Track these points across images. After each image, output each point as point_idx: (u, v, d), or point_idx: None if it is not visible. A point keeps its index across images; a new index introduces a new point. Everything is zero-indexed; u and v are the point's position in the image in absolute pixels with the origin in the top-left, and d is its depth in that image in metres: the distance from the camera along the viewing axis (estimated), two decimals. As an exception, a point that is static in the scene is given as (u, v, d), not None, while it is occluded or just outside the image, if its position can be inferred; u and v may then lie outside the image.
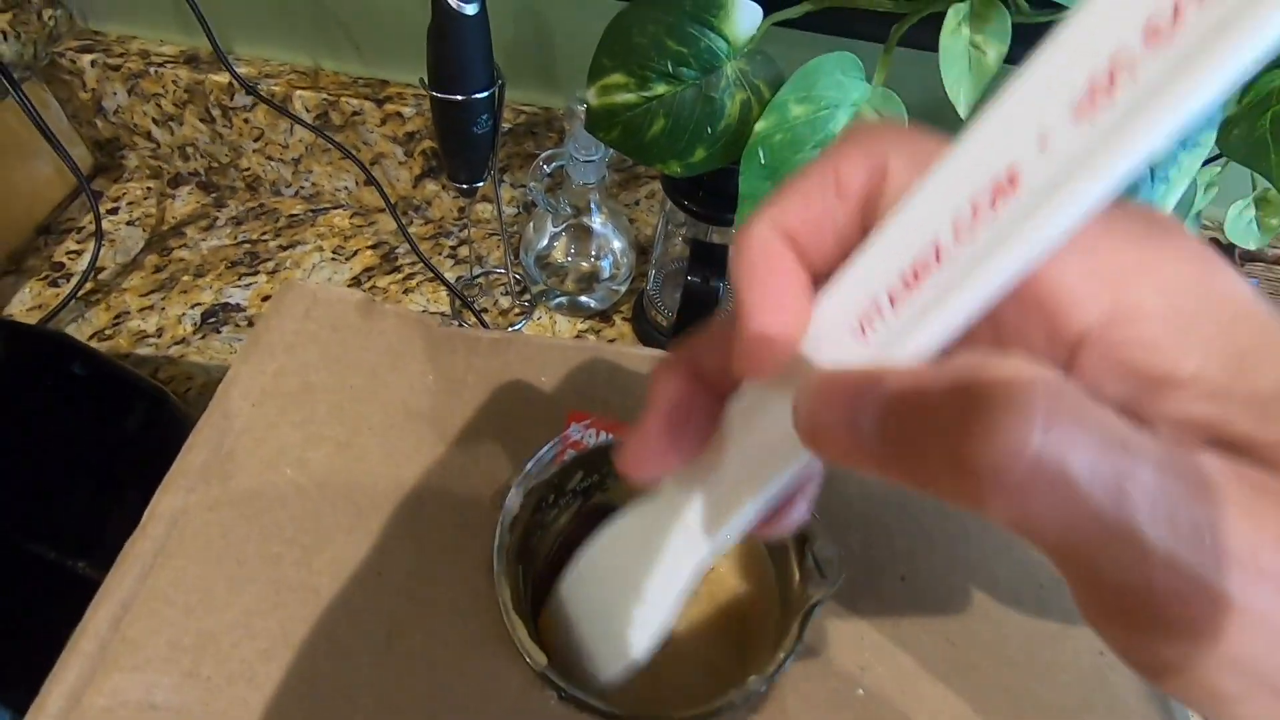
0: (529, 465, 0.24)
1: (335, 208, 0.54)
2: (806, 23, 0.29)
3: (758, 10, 0.28)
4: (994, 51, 0.27)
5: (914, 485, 0.10)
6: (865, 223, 0.12)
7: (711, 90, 0.28)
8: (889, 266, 0.11)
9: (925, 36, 0.28)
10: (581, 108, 0.42)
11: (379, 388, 0.26)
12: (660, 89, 0.28)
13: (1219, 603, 0.08)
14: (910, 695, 0.22)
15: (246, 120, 0.49)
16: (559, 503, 0.27)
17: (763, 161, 0.28)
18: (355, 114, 0.47)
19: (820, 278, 0.13)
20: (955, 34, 0.27)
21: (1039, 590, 0.25)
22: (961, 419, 0.09)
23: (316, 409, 0.26)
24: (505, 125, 0.46)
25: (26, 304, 0.45)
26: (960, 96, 0.28)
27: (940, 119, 0.38)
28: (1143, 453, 0.09)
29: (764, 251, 0.12)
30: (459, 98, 0.35)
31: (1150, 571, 0.08)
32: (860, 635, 0.23)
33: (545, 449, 0.25)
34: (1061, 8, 0.27)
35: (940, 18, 0.27)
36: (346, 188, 0.53)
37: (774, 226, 0.13)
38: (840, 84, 0.27)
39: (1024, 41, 0.29)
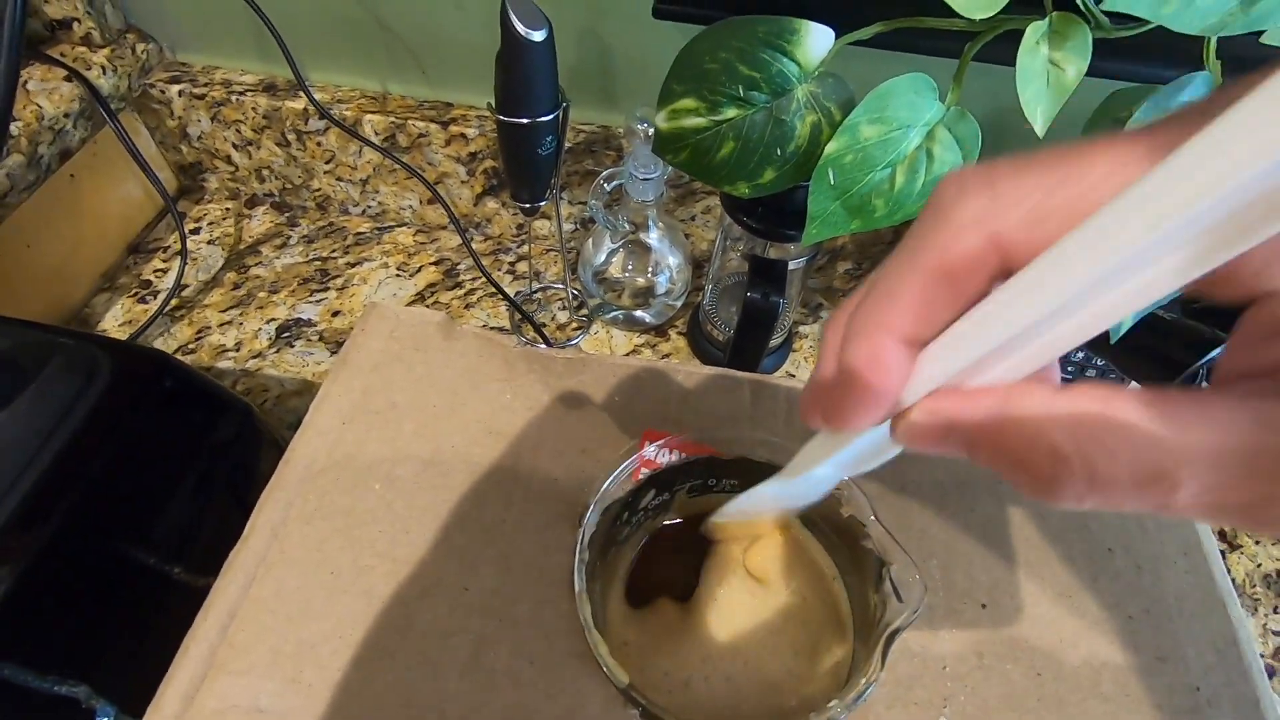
0: (607, 484, 0.25)
1: (400, 225, 0.55)
2: (877, 41, 0.29)
3: (829, 33, 0.28)
4: (1073, 68, 0.26)
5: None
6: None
7: (782, 113, 0.28)
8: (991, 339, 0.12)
9: (996, 50, 0.28)
10: (642, 126, 0.43)
11: (460, 406, 0.27)
12: (730, 113, 0.28)
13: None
14: (995, 727, 0.22)
15: (319, 144, 0.51)
16: (631, 520, 0.27)
17: (833, 182, 0.29)
18: (421, 135, 0.49)
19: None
20: (1033, 52, 0.27)
21: (1128, 622, 0.24)
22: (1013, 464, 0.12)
23: (403, 427, 0.27)
24: (565, 144, 0.47)
25: (119, 319, 0.48)
26: (1037, 114, 0.27)
27: (1009, 131, 0.38)
28: (1190, 448, 0.11)
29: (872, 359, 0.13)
30: (525, 121, 0.36)
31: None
32: (942, 663, 0.23)
33: (622, 468, 0.25)
34: (1142, 22, 0.26)
35: (1014, 34, 0.27)
36: (411, 206, 0.54)
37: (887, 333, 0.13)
38: (913, 104, 0.27)
39: (1103, 57, 0.28)
